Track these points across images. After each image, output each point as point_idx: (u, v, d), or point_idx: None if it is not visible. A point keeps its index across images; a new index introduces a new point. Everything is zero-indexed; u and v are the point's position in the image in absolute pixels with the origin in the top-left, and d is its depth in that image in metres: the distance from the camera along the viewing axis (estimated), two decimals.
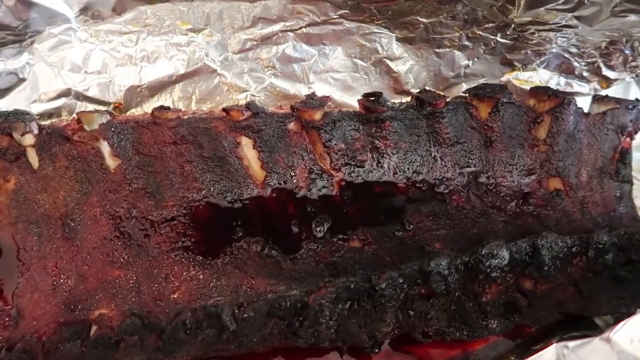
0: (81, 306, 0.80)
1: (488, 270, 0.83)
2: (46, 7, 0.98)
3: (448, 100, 0.97)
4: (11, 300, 0.84)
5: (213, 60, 1.08)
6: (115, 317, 0.78)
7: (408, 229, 0.92)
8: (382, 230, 0.92)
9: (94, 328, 0.77)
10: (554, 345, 0.60)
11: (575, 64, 1.06)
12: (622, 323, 0.59)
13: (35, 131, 0.89)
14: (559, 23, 0.95)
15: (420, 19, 1.02)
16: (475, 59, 1.09)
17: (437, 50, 1.09)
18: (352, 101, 1.09)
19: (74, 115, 0.88)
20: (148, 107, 1.07)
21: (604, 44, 1.01)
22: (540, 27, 0.98)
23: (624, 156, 0.99)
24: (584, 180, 0.99)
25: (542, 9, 0.93)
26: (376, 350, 0.85)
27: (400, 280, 0.81)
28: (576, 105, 0.96)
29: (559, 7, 0.92)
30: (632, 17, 0.89)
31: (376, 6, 1.01)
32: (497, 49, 1.07)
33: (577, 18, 0.93)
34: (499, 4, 0.95)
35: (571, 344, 0.59)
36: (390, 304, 0.81)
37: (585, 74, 1.08)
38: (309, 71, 1.10)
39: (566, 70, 1.09)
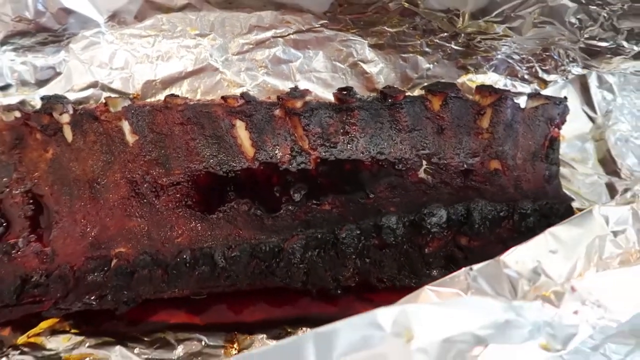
0: (104, 246, 1.00)
1: (429, 227, 1.03)
2: (81, 14, 1.18)
3: (407, 94, 1.17)
4: (48, 243, 1.05)
5: (216, 60, 1.28)
6: (131, 254, 0.98)
7: (370, 197, 1.12)
8: (349, 197, 1.11)
9: (114, 261, 0.97)
10: (463, 269, 0.79)
11: (518, 68, 1.26)
12: (511, 250, 0.78)
13: (71, 111, 1.10)
14: (498, 33, 1.15)
15: (387, 29, 1.23)
16: (435, 63, 1.29)
17: (403, 55, 1.29)
18: (331, 97, 1.28)
19: (102, 99, 1.09)
20: (161, 98, 1.27)
21: (538, 51, 1.21)
22: (484, 37, 1.18)
23: (552, 143, 1.18)
24: (519, 162, 1.18)
25: (481, 20, 1.13)
26: (339, 292, 1.04)
27: (358, 232, 1.01)
28: (512, 100, 1.16)
29: (493, 19, 1.12)
30: (548, 28, 1.10)
31: (350, 17, 1.22)
32: (453, 55, 1.27)
33: (510, 29, 1.13)
34: (448, 17, 1.15)
35: (475, 266, 0.78)
36: (349, 251, 1.01)
37: (526, 76, 1.27)
38: (296, 71, 1.30)
39: (511, 73, 1.28)
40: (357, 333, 0.65)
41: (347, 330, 0.66)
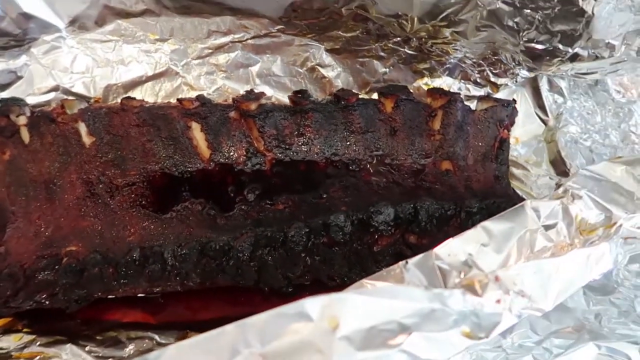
0: (55, 245, 1.01)
1: (376, 225, 1.05)
2: (41, 19, 1.20)
3: (360, 97, 1.20)
4: (2, 243, 1.06)
5: (176, 65, 1.30)
6: (82, 253, 0.99)
7: (322, 197, 1.14)
8: (302, 197, 1.13)
9: (64, 260, 0.98)
10: (399, 263, 0.82)
11: (470, 72, 1.30)
12: (444, 242, 0.81)
13: (28, 113, 1.11)
14: (447, 37, 1.19)
15: (341, 34, 1.26)
16: (391, 67, 1.33)
17: (359, 59, 1.32)
18: None
19: (59, 102, 1.11)
20: (114, 103, 1.30)
21: (488, 55, 1.24)
22: (435, 41, 1.22)
23: (502, 144, 1.22)
24: (470, 163, 1.22)
25: (429, 24, 1.17)
26: (290, 290, 1.06)
27: (307, 230, 1.03)
28: (462, 102, 1.19)
29: (439, 24, 1.15)
30: (490, 32, 1.13)
31: (305, 23, 1.24)
32: (408, 59, 1.30)
33: (457, 33, 1.17)
34: (398, 21, 1.18)
35: (410, 260, 0.81)
36: (298, 249, 1.03)
37: (479, 80, 1.31)
38: (255, 75, 1.33)
39: (464, 77, 1.32)
40: (286, 322, 0.67)
41: (276, 319, 0.68)
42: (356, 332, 0.67)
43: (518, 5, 1.06)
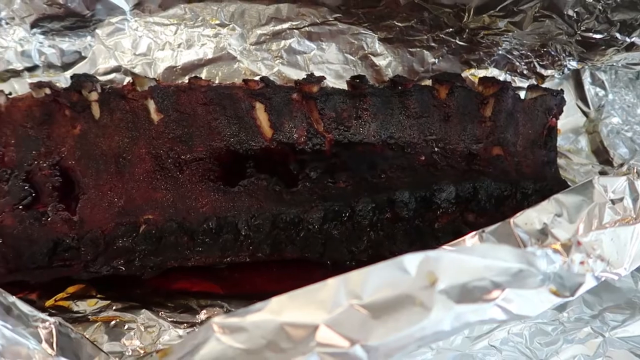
0: (132, 213, 1.05)
1: (439, 202, 1.10)
2: (109, 1, 1.25)
3: (415, 83, 1.25)
4: (76, 212, 1.09)
5: (234, 50, 1.34)
6: (159, 221, 1.03)
7: (381, 177, 1.18)
8: (362, 176, 1.17)
9: (142, 227, 1.02)
10: (476, 231, 0.86)
11: (517, 63, 1.35)
12: (519, 212, 0.85)
13: (99, 90, 1.15)
14: (500, 28, 1.24)
15: (396, 23, 1.31)
16: (440, 58, 1.38)
17: (410, 49, 1.37)
18: (342, 87, 1.36)
19: (130, 79, 1.15)
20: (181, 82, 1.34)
21: (536, 47, 1.30)
22: (487, 32, 1.27)
23: (550, 132, 1.27)
24: (519, 149, 1.26)
25: (485, 15, 1.22)
26: (354, 263, 1.10)
27: (373, 205, 1.08)
28: (513, 90, 1.24)
29: (496, 14, 1.21)
30: (548, 22, 1.19)
31: (362, 12, 1.30)
32: (457, 50, 1.35)
33: (512, 23, 1.22)
34: (455, 11, 1.24)
35: (487, 229, 0.85)
36: (364, 223, 1.07)
37: (525, 72, 1.37)
38: (309, 62, 1.38)
39: (511, 69, 1.38)
40: (385, 276, 0.71)
41: (376, 273, 0.71)
42: (453, 287, 0.71)
43: None
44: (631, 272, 1.15)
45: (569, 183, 1.28)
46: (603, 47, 1.22)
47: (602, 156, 1.35)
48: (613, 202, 0.89)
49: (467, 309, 0.70)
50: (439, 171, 1.21)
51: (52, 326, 0.75)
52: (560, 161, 1.37)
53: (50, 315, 0.99)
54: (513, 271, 0.74)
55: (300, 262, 1.10)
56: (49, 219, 1.05)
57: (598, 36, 1.19)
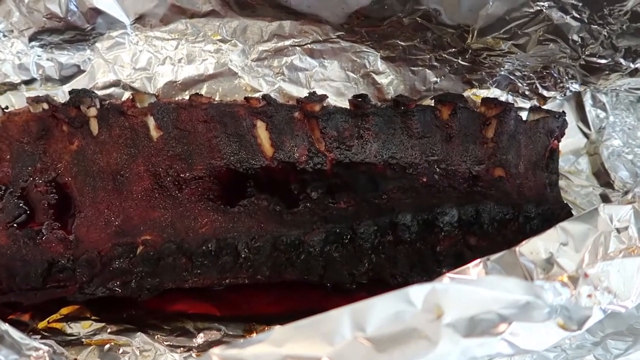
0: (129, 234, 1.03)
1: (441, 225, 1.09)
2: (110, 14, 1.23)
3: (418, 103, 1.24)
4: (71, 231, 1.07)
5: (235, 65, 1.33)
6: (157, 242, 1.01)
7: (383, 198, 1.17)
8: (363, 197, 1.16)
9: (140, 248, 1.00)
10: (480, 259, 0.85)
11: (519, 84, 1.35)
12: (525, 241, 0.84)
13: (98, 105, 1.13)
14: (503, 49, 1.24)
15: (399, 42, 1.31)
16: (442, 77, 1.37)
17: (412, 68, 1.36)
18: (344, 104, 1.35)
19: (129, 95, 1.13)
20: (181, 99, 1.33)
21: (539, 68, 1.30)
22: (490, 53, 1.27)
23: (552, 154, 1.26)
24: (521, 171, 1.26)
25: (489, 37, 1.22)
26: (354, 286, 1.08)
27: (375, 228, 1.06)
28: (516, 112, 1.23)
29: (500, 36, 1.21)
30: (552, 45, 1.19)
31: (365, 30, 1.29)
32: (459, 70, 1.35)
33: (515, 45, 1.22)
34: (458, 32, 1.24)
35: (492, 257, 0.84)
36: (366, 246, 1.06)
37: (527, 92, 1.36)
38: (311, 79, 1.37)
39: (513, 89, 1.37)
40: (391, 308, 0.70)
41: (381, 305, 0.70)
42: (459, 320, 0.70)
43: (586, 21, 1.12)
44: None
45: (570, 206, 1.27)
46: (607, 72, 1.22)
47: (603, 178, 1.35)
48: (618, 230, 0.88)
49: (473, 343, 0.69)
50: (441, 192, 1.20)
51: (46, 355, 0.72)
52: (561, 182, 1.36)
53: (43, 337, 0.98)
54: (520, 304, 0.73)
55: (298, 283, 1.09)
56: (43, 238, 1.02)
57: (602, 61, 1.20)
